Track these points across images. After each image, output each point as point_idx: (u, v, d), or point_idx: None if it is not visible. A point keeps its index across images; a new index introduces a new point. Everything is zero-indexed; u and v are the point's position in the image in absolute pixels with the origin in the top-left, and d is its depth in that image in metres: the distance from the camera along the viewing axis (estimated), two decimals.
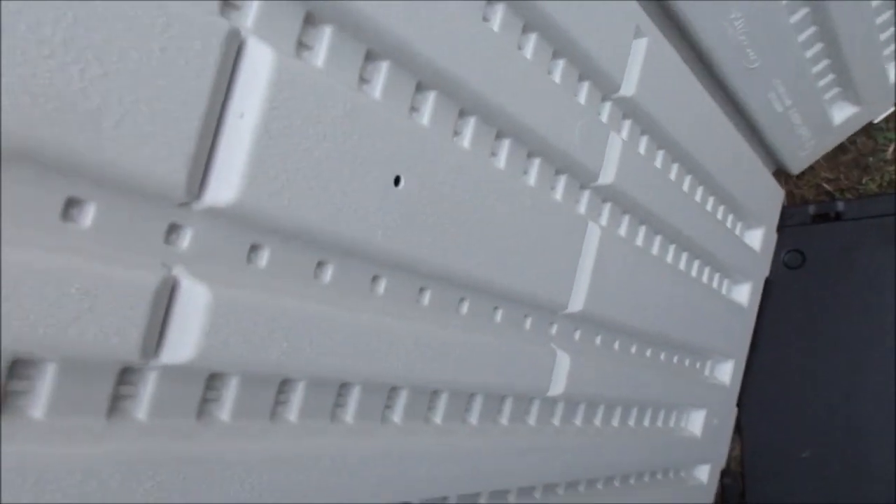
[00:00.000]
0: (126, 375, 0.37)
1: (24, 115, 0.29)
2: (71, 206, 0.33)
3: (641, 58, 0.70)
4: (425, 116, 0.52)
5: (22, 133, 0.29)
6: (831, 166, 1.13)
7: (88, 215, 0.34)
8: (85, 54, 0.31)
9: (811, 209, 1.16)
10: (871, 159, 1.12)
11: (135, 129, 0.33)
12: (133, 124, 0.33)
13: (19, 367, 0.33)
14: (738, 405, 1.16)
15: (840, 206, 1.12)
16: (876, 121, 1.15)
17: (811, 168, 1.18)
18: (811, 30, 0.93)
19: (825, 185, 1.17)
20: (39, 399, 0.34)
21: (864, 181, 1.14)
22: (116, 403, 0.37)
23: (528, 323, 0.66)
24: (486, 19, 0.55)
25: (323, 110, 0.42)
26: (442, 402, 0.59)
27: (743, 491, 1.18)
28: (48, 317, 0.31)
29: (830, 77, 1.03)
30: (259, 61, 0.38)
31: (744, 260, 1.06)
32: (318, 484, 0.46)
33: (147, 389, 0.38)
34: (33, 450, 0.32)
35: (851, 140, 1.15)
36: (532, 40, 0.60)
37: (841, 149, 1.15)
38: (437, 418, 0.59)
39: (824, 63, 1.00)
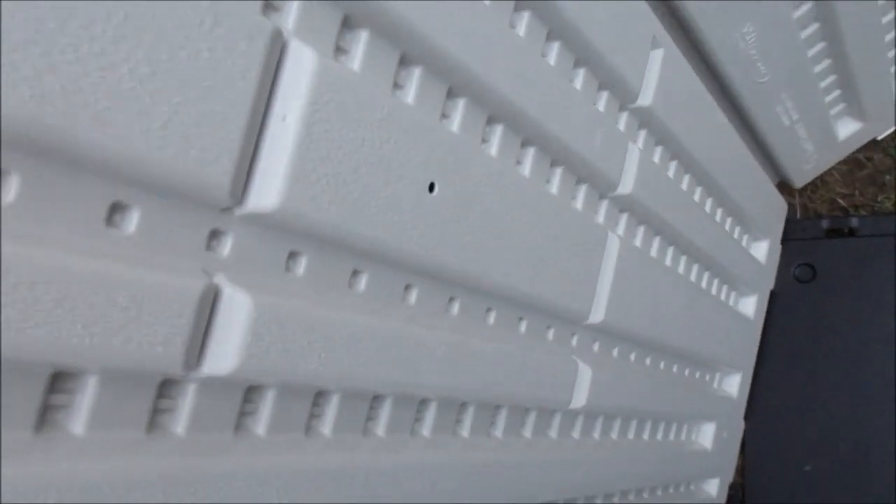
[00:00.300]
0: (164, 388, 0.36)
1: (75, 115, 0.28)
2: (115, 211, 0.32)
3: (658, 68, 0.70)
4: (455, 123, 0.51)
5: (72, 134, 0.28)
6: (847, 182, 1.13)
7: (133, 221, 0.33)
8: (135, 53, 0.30)
9: (824, 223, 1.15)
10: (887, 177, 1.13)
11: (182, 131, 0.32)
12: (180, 126, 0.32)
13: (59, 381, 0.32)
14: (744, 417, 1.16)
15: (854, 222, 1.12)
16: (880, 138, 1.15)
17: (826, 182, 1.18)
18: (820, 45, 0.93)
19: (840, 201, 1.17)
20: (80, 413, 0.32)
21: (879, 198, 1.14)
22: (155, 417, 0.35)
23: (551, 334, 0.65)
24: (512, 26, 0.54)
25: (362, 114, 0.41)
26: (469, 415, 0.58)
27: (744, 501, 1.17)
28: (94, 326, 0.30)
29: (837, 93, 1.04)
30: (302, 63, 0.37)
31: (751, 272, 1.06)
32: (350, 498, 0.45)
33: (186, 402, 0.36)
34: (73, 466, 0.31)
35: (868, 157, 1.15)
36: (555, 48, 0.59)
37: (857, 165, 1.15)
38: (465, 431, 0.58)
39: (832, 79, 1.00)
